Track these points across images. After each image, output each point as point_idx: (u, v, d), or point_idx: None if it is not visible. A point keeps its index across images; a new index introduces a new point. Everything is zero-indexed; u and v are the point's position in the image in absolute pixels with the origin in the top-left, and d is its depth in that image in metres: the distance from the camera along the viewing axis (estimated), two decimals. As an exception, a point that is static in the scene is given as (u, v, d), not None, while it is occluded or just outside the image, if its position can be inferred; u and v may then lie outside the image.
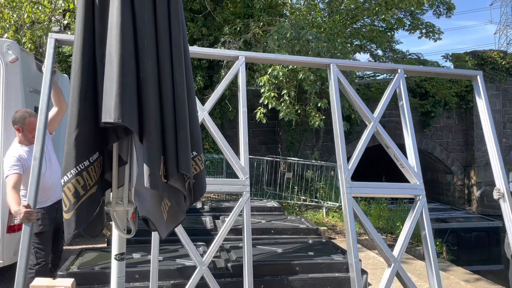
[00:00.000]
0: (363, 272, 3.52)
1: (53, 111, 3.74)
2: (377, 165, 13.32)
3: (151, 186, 1.66)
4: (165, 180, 1.73)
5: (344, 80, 3.62)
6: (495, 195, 3.73)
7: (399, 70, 3.79)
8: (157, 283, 3.03)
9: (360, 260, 3.58)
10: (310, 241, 4.39)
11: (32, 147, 3.70)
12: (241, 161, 3.33)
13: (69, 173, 1.68)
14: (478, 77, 3.83)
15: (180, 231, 3.14)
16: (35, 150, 2.76)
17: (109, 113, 1.58)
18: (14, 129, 3.75)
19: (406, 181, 3.73)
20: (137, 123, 1.65)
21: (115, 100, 1.58)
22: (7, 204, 4.40)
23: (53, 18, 10.07)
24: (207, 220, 5.11)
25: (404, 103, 3.72)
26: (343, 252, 3.89)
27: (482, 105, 3.81)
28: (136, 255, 3.66)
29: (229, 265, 3.47)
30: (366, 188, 3.61)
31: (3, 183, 4.42)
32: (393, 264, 3.28)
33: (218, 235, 3.22)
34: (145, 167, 1.65)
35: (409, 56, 15.07)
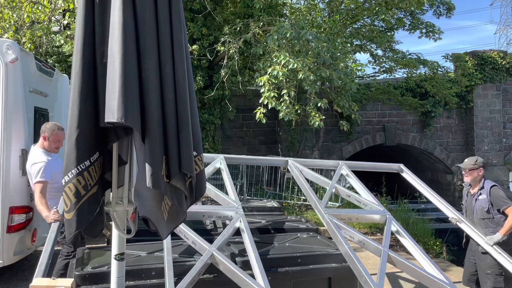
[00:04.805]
0: None
1: None
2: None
3: (154, 186, 1.66)
4: (167, 180, 1.73)
5: (302, 168, 4.90)
6: (453, 222, 4.63)
7: (339, 163, 5.05)
8: (173, 279, 3.08)
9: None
10: (299, 235, 4.50)
11: (54, 155, 4.17)
12: (230, 196, 4.17)
13: (70, 173, 1.67)
14: (401, 166, 5.32)
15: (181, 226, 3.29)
16: None
17: (112, 113, 1.58)
18: (42, 137, 4.10)
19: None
20: (140, 122, 1.65)
21: (118, 100, 1.58)
22: (7, 204, 4.42)
23: (53, 18, 10.07)
24: (207, 220, 5.10)
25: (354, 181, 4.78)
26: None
27: (412, 179, 5.07)
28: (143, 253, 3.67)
29: (237, 259, 3.59)
30: (340, 213, 4.41)
31: (4, 183, 4.43)
32: (382, 250, 3.59)
33: (221, 234, 3.59)
34: (147, 167, 1.65)
35: (409, 56, 15.03)
